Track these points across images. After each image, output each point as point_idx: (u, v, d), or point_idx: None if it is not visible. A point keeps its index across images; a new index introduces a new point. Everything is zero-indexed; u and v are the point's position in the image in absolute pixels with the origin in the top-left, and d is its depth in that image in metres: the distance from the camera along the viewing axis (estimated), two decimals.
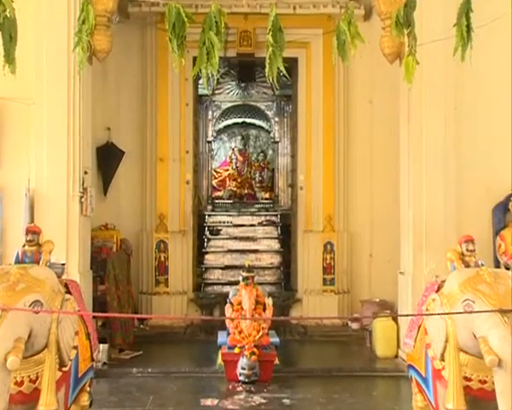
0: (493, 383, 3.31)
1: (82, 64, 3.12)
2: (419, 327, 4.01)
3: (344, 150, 8.27)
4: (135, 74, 8.22)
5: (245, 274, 6.08)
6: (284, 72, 3.06)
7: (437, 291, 3.81)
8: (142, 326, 7.73)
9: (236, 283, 6.34)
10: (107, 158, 7.82)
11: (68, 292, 3.77)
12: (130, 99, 8.21)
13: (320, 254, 8.19)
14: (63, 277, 4.08)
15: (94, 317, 5.45)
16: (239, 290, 6.04)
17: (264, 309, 5.95)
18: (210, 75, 2.98)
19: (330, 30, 6.87)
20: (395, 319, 6.68)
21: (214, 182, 11.38)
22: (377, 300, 7.79)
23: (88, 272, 6.39)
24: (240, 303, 5.92)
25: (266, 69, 2.95)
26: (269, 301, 6.03)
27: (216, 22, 2.80)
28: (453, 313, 3.44)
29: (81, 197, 6.14)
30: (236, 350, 5.78)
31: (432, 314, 3.65)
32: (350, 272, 8.29)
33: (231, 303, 6.05)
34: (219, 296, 8.22)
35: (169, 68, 7.89)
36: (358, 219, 8.30)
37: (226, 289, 8.18)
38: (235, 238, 9.62)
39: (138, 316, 7.84)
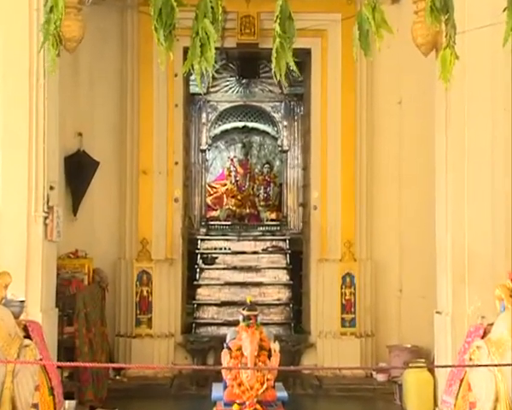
0: None
1: (53, 64, 3.09)
2: (461, 381, 3.98)
3: (367, 162, 8.29)
4: (112, 68, 8.27)
5: (246, 313, 6.02)
6: (294, 67, 3.04)
7: (483, 337, 3.78)
8: (118, 377, 7.70)
9: (235, 323, 6.29)
10: (78, 170, 7.84)
11: (28, 336, 3.75)
12: (106, 98, 8.25)
13: (338, 289, 8.18)
14: (21, 317, 4.06)
15: (59, 367, 5.41)
16: (238, 333, 5.98)
17: (270, 356, 5.91)
18: (204, 71, 2.97)
19: (351, 15, 6.90)
20: (431, 371, 6.65)
21: (209, 199, 11.37)
22: (408, 346, 7.78)
23: (52, 311, 6.35)
24: (240, 349, 5.87)
25: (273, 65, 2.93)
26: (275, 347, 5.99)
27: (212, 8, 2.79)
28: (504, 365, 3.40)
29: (45, 218, 6.11)
30: (235, 408, 5.73)
31: (477, 366, 3.61)
32: (375, 311, 8.28)
33: (229, 349, 6.01)
34: (214, 340, 8.20)
35: (154, 61, 7.90)
36: (385, 246, 8.31)
37: (223, 330, 8.14)
38: (235, 268, 9.62)
39: (114, 365, 7.79)
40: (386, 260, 8.31)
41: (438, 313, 6.65)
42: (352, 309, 8.16)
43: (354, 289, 8.17)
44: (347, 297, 8.17)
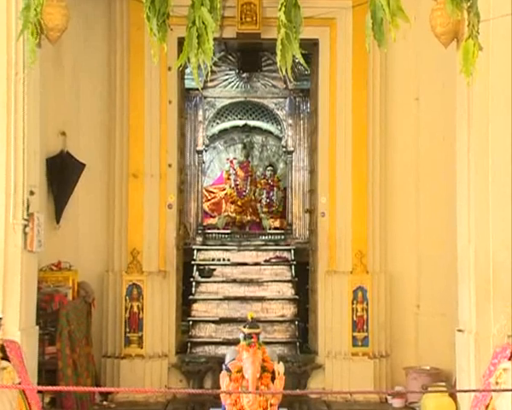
0: None
1: (33, 54, 3.09)
2: (486, 407, 3.96)
3: (381, 164, 8.30)
4: (99, 61, 8.30)
5: (247, 330, 6.00)
6: (301, 60, 3.04)
7: (510, 358, 3.77)
8: (105, 403, 7.68)
9: (235, 342, 6.31)
10: (62, 173, 7.84)
11: (5, 358, 3.74)
12: (92, 94, 8.28)
13: (348, 304, 8.18)
14: None
15: (40, 391, 5.40)
16: (239, 353, 5.96)
17: (273, 379, 5.90)
18: (202, 64, 2.97)
19: (363, 2, 6.90)
20: (452, 396, 6.63)
21: (206, 205, 11.40)
22: (427, 367, 7.78)
23: (33, 329, 6.33)
24: (240, 370, 5.86)
25: (277, 57, 2.94)
26: (279, 368, 5.98)
27: None
28: None
29: (25, 226, 6.10)
30: None
31: (504, 390, 3.60)
32: (389, 329, 8.27)
33: (228, 370, 6.00)
34: (212, 361, 8.22)
35: (145, 53, 7.96)
36: (400, 257, 8.32)
37: (221, 350, 8.19)
38: (234, 281, 9.65)
39: (101, 389, 7.76)
40: (401, 273, 8.31)
41: (460, 331, 6.62)
42: (365, 327, 8.14)
43: (367, 304, 8.16)
44: (359, 313, 8.17)
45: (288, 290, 9.59)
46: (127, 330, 8.08)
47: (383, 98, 8.31)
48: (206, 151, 11.43)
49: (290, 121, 11.21)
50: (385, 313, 8.24)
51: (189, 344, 8.91)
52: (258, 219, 11.45)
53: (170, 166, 8.38)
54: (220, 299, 9.41)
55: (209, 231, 11.02)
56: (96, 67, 8.29)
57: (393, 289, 8.32)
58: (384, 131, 8.33)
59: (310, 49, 8.36)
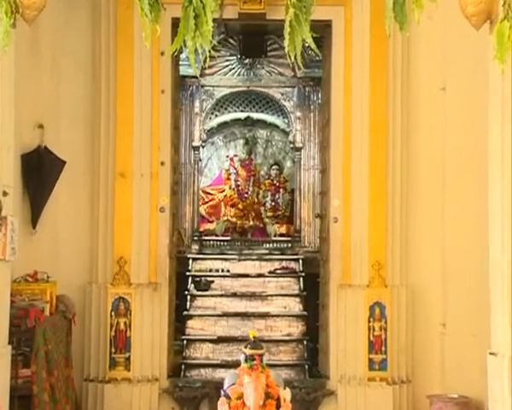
0: None
1: (7, 36, 3.10)
2: None
3: (402, 162, 8.30)
4: (82, 44, 8.30)
5: (249, 351, 6.01)
6: (312, 44, 3.05)
7: None
8: None
9: (235, 365, 6.29)
10: (39, 171, 7.84)
11: None
12: (74, 82, 8.28)
13: (364, 322, 8.18)
14: None
15: None
16: (239, 377, 5.95)
17: (279, 407, 5.90)
18: (199, 49, 2.98)
19: None
20: None
21: (203, 209, 11.41)
22: (455, 396, 7.77)
23: (4, 349, 6.35)
24: (241, 397, 5.85)
25: (285, 41, 2.94)
26: (285, 395, 5.97)
27: None
28: None
29: None
30: None
31: None
32: (411, 351, 8.26)
33: (227, 397, 6.00)
34: (209, 386, 8.22)
35: (135, 36, 7.97)
36: (424, 268, 8.31)
37: (219, 374, 8.23)
38: (235, 295, 9.68)
39: None
40: (425, 287, 8.30)
41: (492, 354, 6.59)
42: (383, 348, 8.13)
43: (385, 322, 8.16)
44: (376, 333, 8.16)
45: (295, 306, 9.61)
46: (113, 350, 8.06)
47: (405, 88, 8.31)
48: (203, 147, 11.46)
49: (299, 114, 11.24)
50: (406, 333, 8.22)
51: (182, 367, 8.92)
52: (261, 225, 11.50)
53: (162, 164, 8.37)
54: (218, 315, 9.43)
55: (206, 238, 11.06)
56: (79, 52, 8.28)
57: (416, 306, 8.30)
58: (406, 125, 8.32)
59: (321, 31, 8.36)
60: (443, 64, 8.27)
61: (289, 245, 11.01)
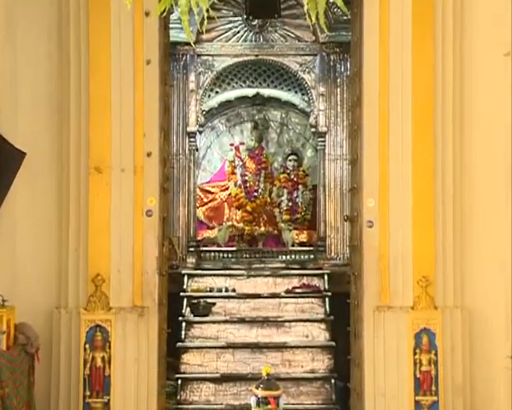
0: None
1: None
2: None
3: (455, 150, 8.29)
4: (45, 5, 8.28)
5: (261, 393, 6.12)
6: (339, 1, 2.99)
7: None
8: None
9: None
10: None
11: None
12: (35, 54, 8.27)
13: (409, 354, 8.16)
14: None
15: None
16: None
17: None
18: (195, 9, 2.96)
19: None
20: None
21: (201, 212, 11.47)
22: None
23: None
24: None
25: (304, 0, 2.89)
26: None
27: None
28: None
29: None
30: None
31: None
32: (470, 391, 8.25)
33: None
34: None
35: None
36: (484, 286, 8.26)
37: None
38: (243, 321, 9.81)
39: None
40: (486, 309, 8.25)
41: None
42: (433, 388, 8.11)
43: (435, 354, 8.14)
44: (424, 368, 8.14)
45: (319, 334, 9.71)
46: (87, 393, 8.01)
47: (458, 54, 8.28)
48: (200, 133, 11.56)
49: (322, 89, 11.35)
50: (463, 368, 8.20)
51: None
52: (276, 232, 11.61)
53: (149, 155, 8.34)
54: (222, 347, 9.52)
55: (206, 249, 11.16)
56: (41, 15, 8.26)
57: (475, 333, 8.26)
58: (459, 101, 8.29)
59: None
60: (507, 23, 8.18)
61: (311, 257, 11.11)
